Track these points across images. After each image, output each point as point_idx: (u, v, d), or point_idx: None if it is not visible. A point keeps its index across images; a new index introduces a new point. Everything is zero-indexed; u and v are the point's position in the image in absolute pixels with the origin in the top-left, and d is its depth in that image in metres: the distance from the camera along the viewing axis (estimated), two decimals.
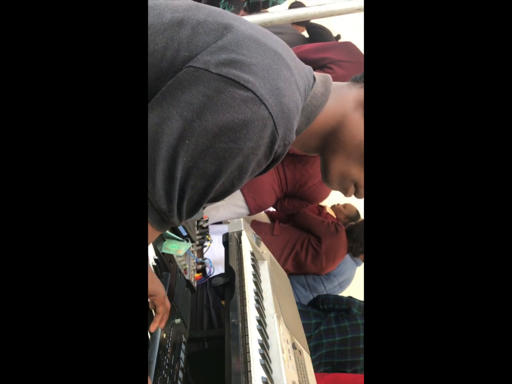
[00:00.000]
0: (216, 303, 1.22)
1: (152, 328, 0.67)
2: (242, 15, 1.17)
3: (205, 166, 0.41)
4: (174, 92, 0.41)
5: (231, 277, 0.83)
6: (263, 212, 1.90)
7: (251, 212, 1.65)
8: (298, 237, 1.63)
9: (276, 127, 0.42)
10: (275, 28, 1.62)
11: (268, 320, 0.74)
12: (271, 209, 1.91)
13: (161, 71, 0.44)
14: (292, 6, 2.05)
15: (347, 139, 0.54)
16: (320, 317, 1.43)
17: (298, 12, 0.83)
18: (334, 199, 2.00)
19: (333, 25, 1.85)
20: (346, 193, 0.60)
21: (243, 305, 0.72)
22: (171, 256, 0.92)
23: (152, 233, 0.44)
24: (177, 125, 0.40)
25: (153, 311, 0.70)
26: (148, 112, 0.42)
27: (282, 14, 0.81)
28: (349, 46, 1.51)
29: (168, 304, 0.73)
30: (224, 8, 1.05)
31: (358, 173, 0.56)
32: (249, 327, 0.65)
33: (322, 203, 1.90)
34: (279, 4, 1.10)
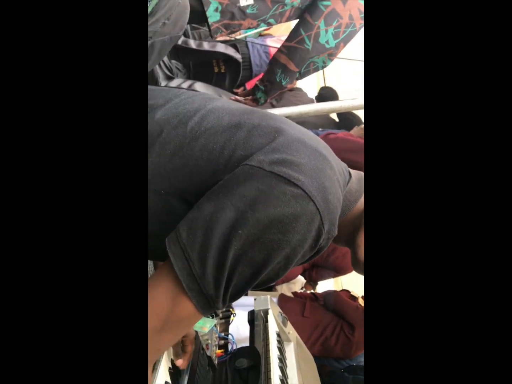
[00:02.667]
0: (235, 382, 1.16)
1: (180, 363, 0.70)
2: (295, 84, 1.32)
3: (254, 255, 0.43)
4: (230, 185, 0.45)
5: (256, 360, 0.80)
6: (290, 293, 1.86)
7: (276, 283, 1.63)
8: (330, 321, 1.53)
9: (322, 222, 0.45)
10: None
11: None
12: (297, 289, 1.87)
13: (218, 167, 0.49)
14: (321, 92, 2.18)
15: None
16: None
17: (333, 105, 0.89)
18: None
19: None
20: None
21: None
22: (195, 332, 0.90)
23: (196, 317, 0.46)
24: (230, 215, 0.43)
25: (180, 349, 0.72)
26: (204, 201, 0.45)
27: (318, 107, 0.87)
28: None
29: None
30: (280, 80, 1.20)
31: None
32: None
33: (354, 293, 1.84)
34: (327, 66, 1.23)
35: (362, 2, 1.08)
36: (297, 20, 1.20)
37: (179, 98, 0.59)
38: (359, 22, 1.13)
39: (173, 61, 1.77)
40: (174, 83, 1.57)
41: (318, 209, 0.44)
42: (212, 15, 1.05)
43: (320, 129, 1.77)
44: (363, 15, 1.10)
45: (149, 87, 0.65)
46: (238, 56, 1.75)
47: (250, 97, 1.40)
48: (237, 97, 1.44)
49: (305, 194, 0.43)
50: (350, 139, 1.54)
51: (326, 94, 2.16)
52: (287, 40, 1.16)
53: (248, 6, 1.04)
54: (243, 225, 0.42)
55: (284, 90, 1.33)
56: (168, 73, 1.63)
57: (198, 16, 1.09)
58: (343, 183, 0.53)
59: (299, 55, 1.13)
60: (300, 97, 1.75)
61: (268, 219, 0.42)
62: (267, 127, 0.51)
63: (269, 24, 1.19)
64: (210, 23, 1.08)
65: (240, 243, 0.42)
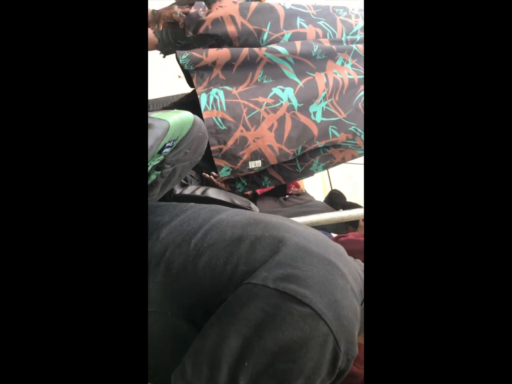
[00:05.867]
0: None
1: None
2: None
3: None
4: (233, 308, 0.42)
5: None
6: None
7: None
8: None
9: (337, 342, 0.41)
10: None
11: None
12: None
13: (221, 285, 0.47)
14: (330, 196, 2.26)
15: None
16: None
17: (342, 214, 0.94)
18: None
19: None
20: None
21: None
22: None
23: None
24: (236, 344, 0.40)
25: None
26: (209, 328, 0.43)
27: (328, 216, 0.92)
28: None
29: None
30: (265, 184, 1.33)
31: None
32: None
33: None
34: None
35: (359, 152, 1.23)
36: None
37: (185, 214, 0.59)
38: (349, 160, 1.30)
39: None
40: (188, 190, 1.66)
41: (331, 328, 0.40)
42: (224, 173, 1.20)
43: (333, 234, 1.78)
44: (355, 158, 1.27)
45: (157, 203, 0.66)
46: None
47: (222, 178, 1.33)
48: (209, 176, 1.37)
49: (314, 312, 0.40)
50: (360, 239, 1.55)
51: (335, 198, 2.23)
52: (283, 162, 1.24)
53: (256, 168, 1.18)
54: (249, 355, 0.39)
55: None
56: (183, 181, 1.74)
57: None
58: (359, 290, 0.49)
59: (289, 174, 1.29)
60: (308, 201, 1.79)
61: (276, 346, 0.39)
62: (270, 238, 0.50)
63: None
64: (221, 176, 1.23)
65: (248, 376, 0.39)
